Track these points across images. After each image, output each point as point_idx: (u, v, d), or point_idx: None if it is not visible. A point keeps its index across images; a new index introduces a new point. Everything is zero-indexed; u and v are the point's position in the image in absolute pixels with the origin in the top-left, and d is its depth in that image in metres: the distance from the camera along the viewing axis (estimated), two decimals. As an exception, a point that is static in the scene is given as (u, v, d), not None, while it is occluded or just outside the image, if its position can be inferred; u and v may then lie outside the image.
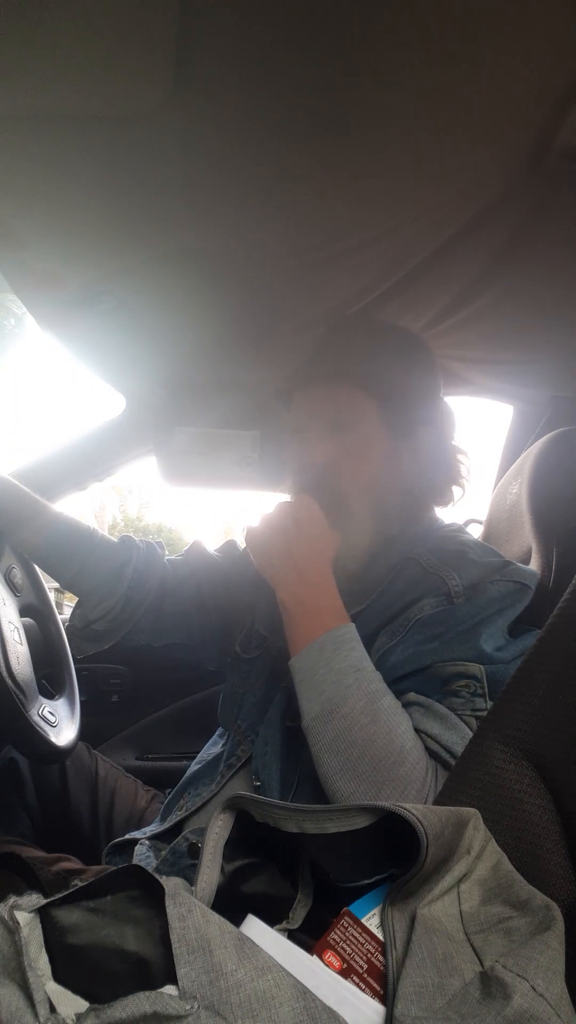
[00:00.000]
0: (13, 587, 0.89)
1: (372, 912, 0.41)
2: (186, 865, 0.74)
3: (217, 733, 0.93)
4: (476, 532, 0.99)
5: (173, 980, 0.32)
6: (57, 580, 0.93)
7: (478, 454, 0.85)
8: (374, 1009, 0.36)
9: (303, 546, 0.70)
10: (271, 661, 0.82)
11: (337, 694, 0.61)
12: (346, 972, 0.38)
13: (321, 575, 0.70)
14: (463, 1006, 0.35)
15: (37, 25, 0.42)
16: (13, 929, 0.35)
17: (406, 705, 0.64)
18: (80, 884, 0.39)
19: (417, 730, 0.62)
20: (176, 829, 0.81)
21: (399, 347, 0.81)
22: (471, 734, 0.60)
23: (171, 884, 0.37)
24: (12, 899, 0.37)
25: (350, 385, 0.77)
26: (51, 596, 1.02)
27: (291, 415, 0.83)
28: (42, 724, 0.79)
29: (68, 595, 1.42)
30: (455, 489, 0.83)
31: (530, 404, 1.19)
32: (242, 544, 0.90)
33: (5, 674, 0.74)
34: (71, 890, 0.37)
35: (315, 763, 0.62)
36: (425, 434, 0.80)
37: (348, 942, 0.39)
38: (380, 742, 0.59)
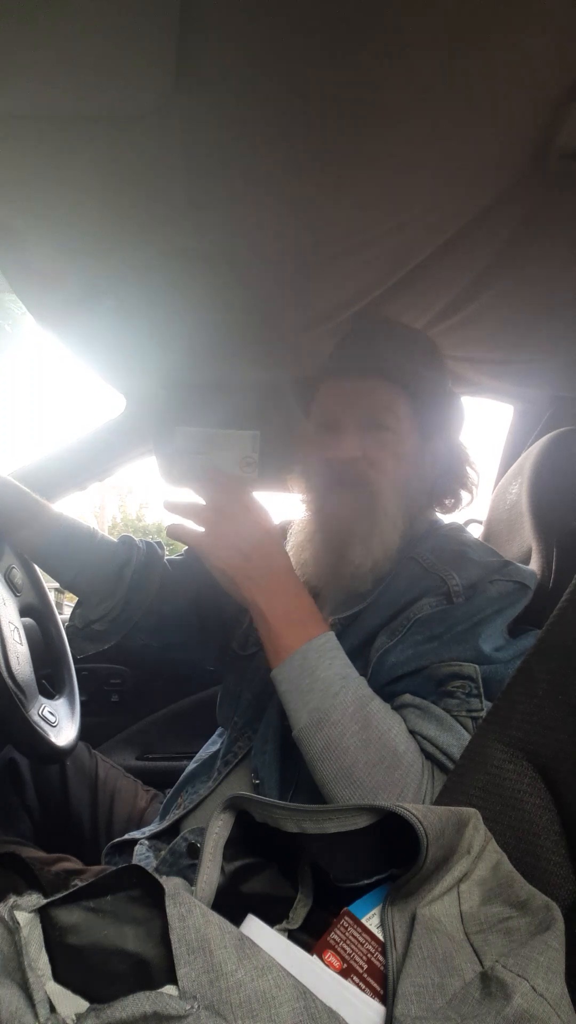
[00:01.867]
0: (13, 587, 0.89)
1: (372, 912, 0.41)
2: (186, 865, 0.74)
3: (216, 732, 0.93)
4: (476, 532, 0.99)
5: (173, 980, 0.32)
6: (57, 580, 0.93)
7: (478, 454, 0.86)
8: (374, 1009, 0.36)
9: (280, 558, 0.68)
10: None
11: (325, 702, 0.61)
12: (346, 972, 0.38)
13: (298, 583, 0.69)
14: (463, 1006, 0.34)
15: (37, 25, 0.42)
16: (13, 929, 0.35)
17: (402, 706, 0.64)
18: (80, 884, 0.39)
19: (413, 732, 0.62)
20: (174, 828, 0.81)
21: (428, 350, 0.82)
22: (467, 735, 0.60)
23: (171, 884, 0.37)
24: (12, 899, 0.37)
25: (391, 383, 0.77)
26: (51, 596, 1.02)
27: (319, 407, 0.82)
28: (42, 724, 0.79)
29: (68, 595, 1.43)
30: (463, 494, 0.83)
31: (530, 404, 1.19)
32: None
33: (5, 674, 0.74)
34: (71, 890, 0.37)
35: (311, 771, 0.62)
36: (444, 438, 0.81)
37: (348, 942, 0.39)
38: (373, 747, 0.59)
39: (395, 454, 0.76)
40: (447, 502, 0.83)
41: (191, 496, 0.70)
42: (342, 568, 0.74)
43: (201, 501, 0.69)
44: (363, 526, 0.74)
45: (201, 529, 0.68)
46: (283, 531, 0.84)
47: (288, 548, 0.79)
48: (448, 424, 0.81)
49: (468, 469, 0.83)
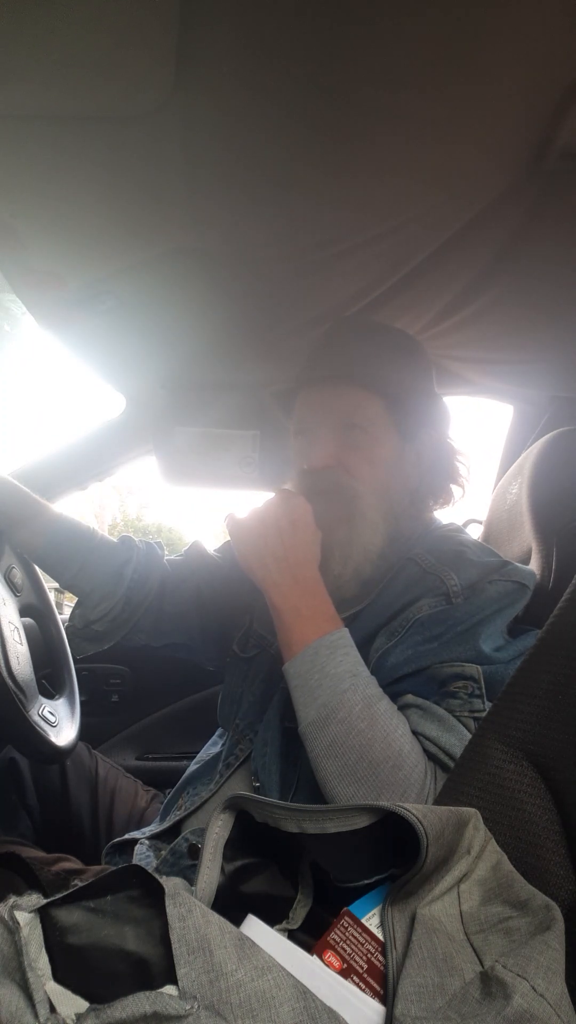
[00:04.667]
0: (13, 587, 0.89)
1: (372, 912, 0.41)
2: (186, 865, 0.74)
3: (217, 733, 0.93)
4: (476, 532, 0.99)
5: (173, 980, 0.32)
6: (57, 580, 0.93)
7: (478, 454, 0.86)
8: (374, 1009, 0.36)
9: (299, 550, 0.69)
10: (269, 661, 0.82)
11: (333, 699, 0.61)
12: (346, 972, 0.38)
13: (315, 580, 0.69)
14: (463, 1006, 0.34)
15: (37, 26, 0.42)
16: (13, 929, 0.35)
17: (404, 707, 0.64)
18: (80, 884, 0.39)
19: (415, 732, 0.62)
20: (175, 829, 0.81)
21: (402, 349, 0.81)
22: (469, 736, 0.60)
23: (171, 884, 0.37)
24: (12, 899, 0.37)
25: (361, 387, 0.76)
26: (51, 596, 1.02)
27: (295, 416, 0.82)
28: (42, 724, 0.79)
29: (68, 595, 1.42)
30: (455, 489, 0.83)
31: (530, 404, 1.19)
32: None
33: (5, 674, 0.74)
34: (71, 890, 0.37)
35: (313, 768, 0.62)
36: (427, 435, 0.80)
37: (348, 942, 0.39)
38: (378, 746, 0.59)
39: (371, 458, 0.76)
40: (439, 499, 0.83)
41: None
42: (324, 576, 0.74)
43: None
44: (341, 533, 0.74)
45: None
46: None
47: None
48: (429, 421, 0.81)
49: (456, 464, 0.83)
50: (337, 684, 0.62)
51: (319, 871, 0.47)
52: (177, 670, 1.39)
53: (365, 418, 0.76)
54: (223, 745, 0.86)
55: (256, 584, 0.71)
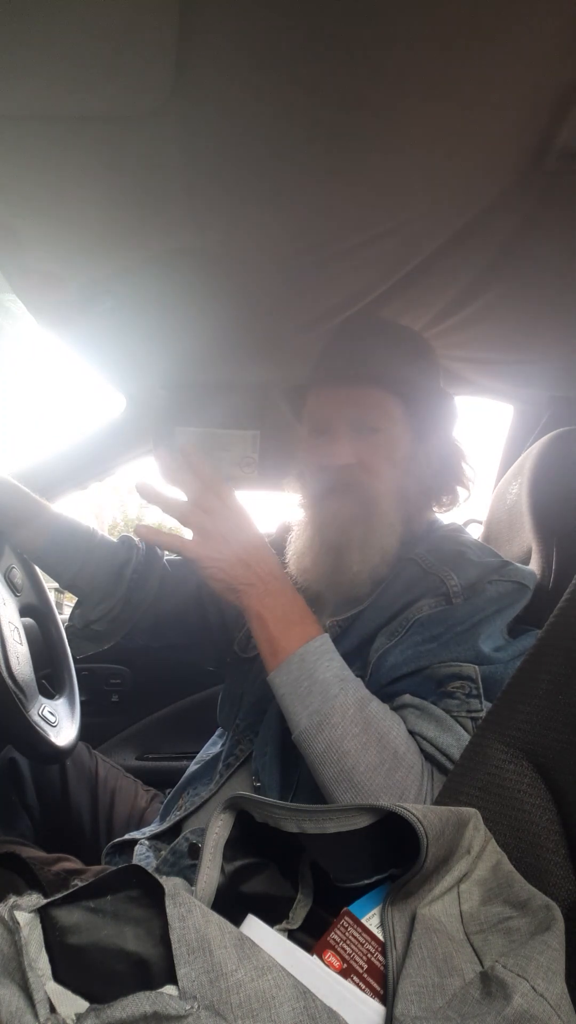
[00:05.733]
0: (13, 587, 0.89)
1: (372, 912, 0.41)
2: (186, 865, 0.74)
3: (217, 733, 0.93)
4: (476, 532, 0.99)
5: (173, 980, 0.32)
6: (57, 580, 0.93)
7: (478, 454, 0.86)
8: (374, 1009, 0.36)
9: (275, 565, 0.68)
10: None
11: (324, 705, 0.61)
12: (346, 972, 0.38)
13: (291, 584, 0.69)
14: (463, 1006, 0.34)
15: (37, 25, 0.42)
16: (13, 929, 0.35)
17: (401, 707, 0.64)
18: (80, 884, 0.39)
19: (412, 732, 0.62)
20: (175, 829, 0.81)
21: (418, 350, 0.81)
22: (467, 736, 0.60)
23: (171, 884, 0.37)
24: (12, 899, 0.37)
25: (380, 388, 0.76)
26: (51, 596, 1.02)
27: (310, 415, 0.82)
28: (42, 724, 0.79)
29: (68, 595, 1.43)
30: (460, 490, 0.83)
31: (530, 404, 1.19)
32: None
33: (5, 674, 0.74)
34: (71, 890, 0.37)
35: (312, 773, 0.62)
36: (438, 436, 0.80)
37: (348, 942, 0.39)
38: (374, 749, 0.59)
39: (389, 458, 0.76)
40: (444, 500, 0.83)
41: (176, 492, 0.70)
42: (339, 575, 0.73)
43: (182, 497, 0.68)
44: (359, 532, 0.73)
45: (187, 532, 0.67)
46: (283, 534, 0.84)
47: (289, 554, 0.78)
48: (441, 423, 0.81)
49: (464, 466, 0.83)
50: (327, 689, 0.62)
51: (319, 871, 0.47)
52: (177, 670, 1.39)
53: (386, 419, 0.76)
54: (223, 745, 0.86)
55: (237, 604, 0.69)
